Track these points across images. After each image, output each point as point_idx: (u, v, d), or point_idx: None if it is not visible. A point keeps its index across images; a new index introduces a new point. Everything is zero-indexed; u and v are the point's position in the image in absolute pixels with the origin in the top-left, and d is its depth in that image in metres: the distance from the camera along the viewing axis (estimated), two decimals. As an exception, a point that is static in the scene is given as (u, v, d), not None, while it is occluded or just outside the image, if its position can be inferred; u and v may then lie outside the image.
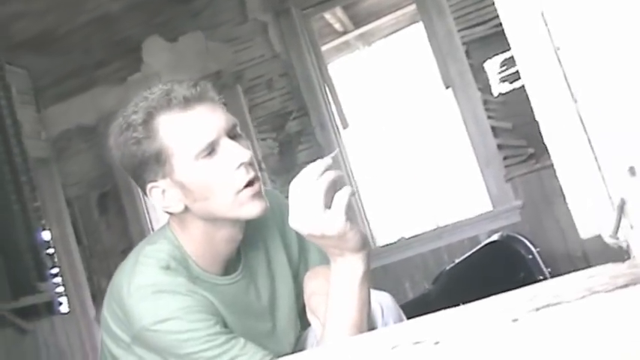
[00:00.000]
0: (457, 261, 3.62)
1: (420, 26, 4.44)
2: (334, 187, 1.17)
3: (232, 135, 1.33)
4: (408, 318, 1.43)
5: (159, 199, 1.35)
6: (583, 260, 3.82)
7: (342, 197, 1.14)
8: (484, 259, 3.50)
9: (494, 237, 3.56)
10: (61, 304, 4.16)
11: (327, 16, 5.41)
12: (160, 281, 1.30)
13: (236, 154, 1.30)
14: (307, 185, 1.13)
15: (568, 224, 3.89)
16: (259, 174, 1.34)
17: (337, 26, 5.77)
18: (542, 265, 3.29)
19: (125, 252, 4.51)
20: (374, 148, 6.54)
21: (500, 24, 3.23)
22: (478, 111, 4.06)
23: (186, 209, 1.35)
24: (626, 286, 0.47)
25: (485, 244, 3.57)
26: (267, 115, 4.54)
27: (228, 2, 4.55)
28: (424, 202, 6.50)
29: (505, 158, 3.99)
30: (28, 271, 3.75)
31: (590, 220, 0.60)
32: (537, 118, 0.62)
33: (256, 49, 4.54)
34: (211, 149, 1.30)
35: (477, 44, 4.12)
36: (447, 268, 3.63)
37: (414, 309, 1.33)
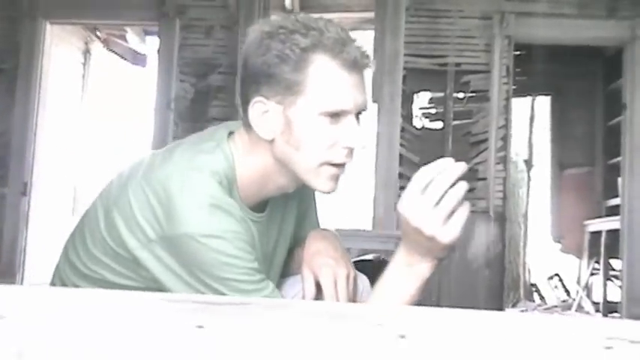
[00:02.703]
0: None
1: (367, 35, 4.49)
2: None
3: (358, 114, 1.32)
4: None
5: (256, 116, 1.29)
6: (435, 305, 3.99)
7: (463, 213, 1.14)
8: (352, 272, 3.57)
9: (370, 256, 3.62)
10: None
11: (283, -12, 5.36)
12: (216, 195, 1.24)
13: (353, 136, 1.28)
14: (441, 187, 1.12)
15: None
16: (352, 161, 1.33)
17: (287, 3, 5.72)
18: (404, 298, 3.40)
19: (1, 134, 4.31)
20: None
21: (444, 64, 3.35)
22: (393, 135, 4.16)
23: (271, 141, 1.30)
24: None
25: (359, 260, 3.64)
26: (194, 58, 4.44)
27: None
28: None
29: (402, 188, 4.11)
30: None
31: None
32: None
33: (208, -8, 4.45)
34: (337, 116, 1.28)
35: (415, 74, 4.23)
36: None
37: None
